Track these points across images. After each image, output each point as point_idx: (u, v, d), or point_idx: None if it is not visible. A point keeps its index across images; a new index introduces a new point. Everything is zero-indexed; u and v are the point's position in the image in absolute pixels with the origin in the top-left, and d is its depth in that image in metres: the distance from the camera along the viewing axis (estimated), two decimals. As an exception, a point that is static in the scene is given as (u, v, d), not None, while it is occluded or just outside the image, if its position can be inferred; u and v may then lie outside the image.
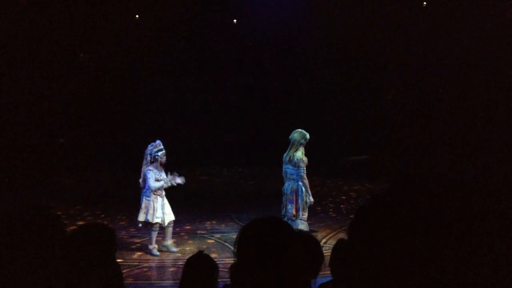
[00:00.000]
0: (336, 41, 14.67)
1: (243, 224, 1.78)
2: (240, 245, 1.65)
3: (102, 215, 9.03)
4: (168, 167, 6.88)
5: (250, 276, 1.59)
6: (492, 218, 1.03)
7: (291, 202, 7.22)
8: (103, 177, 12.65)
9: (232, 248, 1.78)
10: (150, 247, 6.90)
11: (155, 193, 6.74)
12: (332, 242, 6.77)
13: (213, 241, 7.57)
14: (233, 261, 1.69)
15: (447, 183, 1.10)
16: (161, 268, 6.57)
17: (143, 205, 6.77)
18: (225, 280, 3.65)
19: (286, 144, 7.34)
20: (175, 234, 7.74)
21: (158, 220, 6.76)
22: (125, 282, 3.22)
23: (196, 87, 15.20)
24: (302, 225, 7.23)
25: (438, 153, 12.67)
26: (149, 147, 6.81)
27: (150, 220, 6.71)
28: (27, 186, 10.84)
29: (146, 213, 6.72)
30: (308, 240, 3.11)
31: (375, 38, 14.18)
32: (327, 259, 3.09)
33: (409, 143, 13.66)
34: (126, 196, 9.72)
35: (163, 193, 6.86)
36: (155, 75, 14.91)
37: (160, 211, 6.76)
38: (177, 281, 4.63)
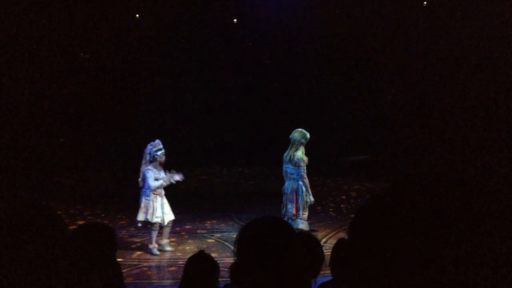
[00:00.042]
0: (336, 41, 14.67)
1: (243, 223, 1.78)
2: (240, 244, 1.65)
3: (102, 215, 9.03)
4: (168, 167, 6.88)
5: (250, 276, 1.60)
6: (492, 218, 1.03)
7: (291, 202, 7.22)
8: (103, 177, 12.66)
9: (232, 247, 1.78)
10: (150, 246, 6.90)
11: (155, 192, 6.74)
12: (332, 241, 6.77)
13: (213, 240, 7.57)
14: (233, 261, 1.69)
15: (447, 183, 1.10)
16: (161, 267, 6.57)
17: (142, 205, 6.77)
18: (226, 279, 3.65)
19: (286, 144, 7.35)
20: (175, 234, 7.74)
21: (158, 220, 6.76)
22: (125, 281, 3.22)
23: (196, 87, 15.20)
24: (302, 225, 7.24)
25: (438, 153, 12.68)
26: (149, 147, 6.81)
27: (150, 220, 6.71)
28: (27, 186, 10.84)
29: (146, 213, 6.72)
30: (308, 240, 3.11)
31: (375, 38, 14.18)
32: (327, 259, 3.09)
33: (409, 143, 13.67)
34: (126, 195, 9.72)
35: (163, 192, 6.86)
36: (155, 75, 14.91)
37: (160, 210, 6.77)
38: (177, 281, 4.63)
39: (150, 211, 6.71)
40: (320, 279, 3.04)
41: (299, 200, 7.19)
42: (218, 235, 7.83)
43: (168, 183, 6.78)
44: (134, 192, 7.26)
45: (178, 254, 6.91)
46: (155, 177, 6.70)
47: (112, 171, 12.91)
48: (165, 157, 6.78)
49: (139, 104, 14.67)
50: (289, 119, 12.85)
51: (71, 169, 13.01)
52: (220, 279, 3.14)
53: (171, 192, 7.13)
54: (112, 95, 14.31)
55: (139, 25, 14.62)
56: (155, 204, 6.73)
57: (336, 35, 14.59)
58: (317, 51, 15.01)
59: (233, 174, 13.75)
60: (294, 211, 7.20)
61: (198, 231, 8.07)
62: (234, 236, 1.73)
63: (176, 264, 6.47)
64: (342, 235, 6.80)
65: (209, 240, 7.57)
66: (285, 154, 7.28)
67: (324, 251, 3.22)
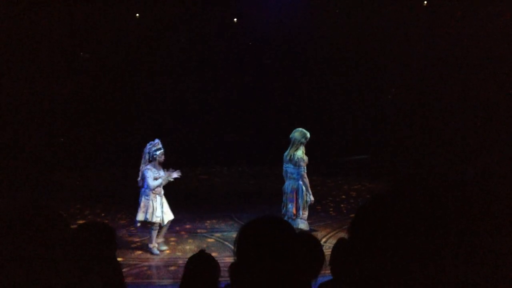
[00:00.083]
0: (336, 41, 14.67)
1: (243, 223, 1.80)
2: (240, 244, 1.65)
3: (102, 214, 9.03)
4: (168, 167, 6.88)
5: (250, 276, 1.60)
6: (492, 218, 1.04)
7: (292, 201, 7.22)
8: (103, 176, 12.66)
9: (232, 247, 1.77)
10: (150, 246, 6.90)
11: (154, 192, 6.74)
12: (332, 241, 6.77)
13: (213, 240, 7.57)
14: (233, 260, 1.69)
15: (447, 183, 1.11)
16: (161, 267, 6.57)
17: (142, 204, 6.77)
18: (226, 279, 3.65)
19: (287, 144, 7.35)
20: (175, 233, 7.75)
21: (158, 220, 6.76)
22: (125, 281, 3.22)
23: (196, 87, 15.20)
24: (302, 224, 7.24)
25: (438, 153, 12.67)
26: (148, 146, 6.81)
27: (150, 219, 6.71)
28: (27, 185, 10.84)
29: (146, 212, 6.72)
30: (308, 240, 3.11)
31: (375, 38, 14.18)
32: (327, 259, 3.09)
33: (409, 143, 13.67)
34: (126, 195, 9.72)
35: (162, 192, 6.86)
36: (155, 75, 14.91)
37: (160, 210, 6.77)
38: (177, 280, 4.63)
39: (150, 210, 6.71)
40: (320, 279, 3.04)
41: (299, 200, 7.20)
42: (218, 234, 7.83)
43: (167, 181, 6.79)
44: (134, 192, 7.26)
45: (178, 253, 6.91)
46: (154, 177, 6.71)
47: (112, 171, 12.91)
48: (164, 157, 6.79)
49: (139, 104, 14.66)
50: (289, 119, 12.85)
51: (71, 168, 13.02)
52: (220, 279, 3.14)
53: (171, 191, 7.13)
54: (112, 95, 14.31)
55: (139, 25, 14.61)
56: (154, 203, 6.73)
57: (336, 35, 14.59)
58: (317, 51, 15.01)
59: (233, 173, 13.75)
60: (294, 211, 7.21)
61: (198, 231, 8.07)
62: (234, 235, 1.73)
63: (176, 263, 6.48)
64: (342, 234, 6.80)
65: (209, 240, 7.57)
66: (285, 153, 7.29)
67: (324, 251, 3.22)
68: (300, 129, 7.27)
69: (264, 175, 12.68)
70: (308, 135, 7.20)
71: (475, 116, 13.12)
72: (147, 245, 6.98)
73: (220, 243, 7.36)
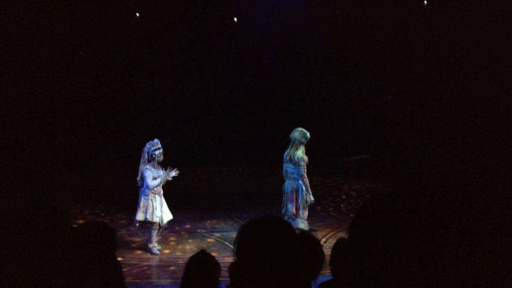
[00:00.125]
0: (336, 41, 14.66)
1: (243, 223, 1.79)
2: (240, 244, 1.65)
3: (102, 214, 9.03)
4: (166, 167, 6.87)
5: (250, 276, 1.59)
6: (492, 218, 1.04)
7: (291, 201, 7.22)
8: (103, 176, 12.66)
9: (232, 247, 1.77)
10: (150, 245, 6.91)
11: (153, 192, 6.74)
12: (332, 241, 6.77)
13: (213, 240, 7.57)
14: (232, 260, 1.69)
15: (447, 183, 1.11)
16: (161, 266, 6.57)
17: (141, 204, 6.76)
18: (227, 279, 3.65)
19: (287, 143, 7.35)
20: (175, 233, 7.76)
21: (158, 219, 6.77)
22: (125, 280, 3.22)
23: (196, 87, 15.19)
24: (302, 224, 7.24)
25: (438, 153, 12.67)
26: (147, 145, 6.81)
27: (150, 219, 6.71)
28: (27, 185, 10.84)
29: (145, 212, 6.72)
30: (308, 240, 3.12)
31: (375, 38, 14.17)
32: (327, 259, 3.09)
33: (409, 143, 13.66)
34: (126, 195, 9.72)
35: (161, 192, 6.86)
36: (155, 75, 14.90)
37: (159, 209, 6.77)
38: (177, 280, 4.62)
39: (150, 210, 6.71)
40: (320, 279, 3.04)
41: (299, 200, 7.20)
42: (218, 234, 7.83)
43: (166, 181, 6.79)
44: (134, 192, 7.27)
45: (178, 253, 6.92)
46: (153, 176, 6.71)
47: (112, 171, 12.91)
48: (163, 157, 6.79)
49: (139, 104, 14.66)
50: (289, 119, 12.85)
51: (71, 168, 13.01)
52: (220, 279, 3.14)
53: (171, 191, 7.14)
54: (112, 95, 14.30)
55: (139, 25, 14.61)
56: (154, 203, 6.74)
57: (336, 35, 14.58)
58: (317, 51, 15.01)
59: (233, 173, 13.75)
60: (294, 211, 7.21)
61: (198, 231, 8.07)
62: (234, 235, 1.73)
63: (176, 263, 6.48)
64: (342, 234, 6.80)
65: (209, 240, 7.58)
66: (285, 153, 7.29)
67: (324, 251, 3.22)
68: (300, 129, 7.27)
69: (264, 175, 12.67)
70: (308, 135, 7.20)
71: (475, 116, 13.11)
72: (147, 245, 6.98)
73: (220, 243, 7.36)
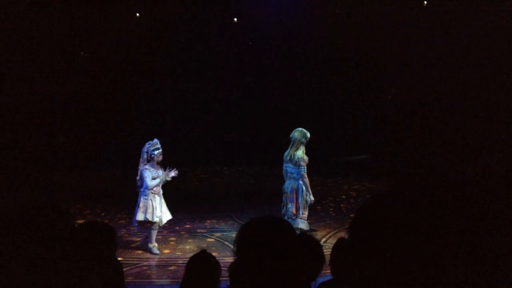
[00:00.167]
0: (336, 41, 14.67)
1: (243, 223, 1.78)
2: (240, 244, 1.65)
3: (102, 214, 9.04)
4: (165, 167, 6.87)
5: (250, 276, 1.59)
6: (492, 218, 1.04)
7: (292, 201, 7.22)
8: (103, 176, 12.66)
9: (232, 247, 1.77)
10: (150, 245, 6.90)
11: (153, 192, 6.74)
12: (332, 241, 6.76)
13: (213, 240, 7.58)
14: (232, 260, 1.69)
15: (447, 183, 1.11)
16: (161, 266, 6.58)
17: (141, 204, 6.76)
18: (227, 279, 3.65)
19: (286, 144, 7.35)
20: (175, 233, 7.76)
21: (158, 219, 6.77)
22: (125, 280, 3.22)
23: (196, 87, 15.19)
24: (302, 224, 7.24)
25: (438, 153, 12.67)
26: (146, 145, 6.81)
27: (150, 219, 6.71)
28: (27, 185, 10.84)
29: (145, 212, 6.72)
30: (308, 240, 3.12)
31: (375, 38, 14.18)
32: (327, 259, 3.09)
33: (409, 143, 13.66)
34: (126, 195, 9.71)
35: (161, 192, 6.86)
36: (155, 75, 14.91)
37: (159, 209, 6.78)
38: (177, 280, 4.63)
39: (150, 210, 6.71)
40: (320, 279, 3.04)
41: (299, 200, 7.19)
42: (218, 234, 7.83)
43: (165, 181, 6.80)
44: (134, 192, 7.27)
45: (178, 253, 6.92)
46: (153, 176, 6.71)
47: (112, 171, 12.91)
48: (163, 157, 6.79)
49: (139, 104, 14.66)
50: (289, 119, 12.85)
51: (71, 168, 13.02)
52: (220, 279, 3.14)
53: (170, 191, 7.14)
54: (112, 95, 14.30)
55: (139, 25, 14.61)
56: (154, 203, 6.74)
57: (336, 35, 14.58)
58: (317, 51, 15.01)
59: (233, 173, 13.75)
60: (294, 211, 7.20)
61: (198, 231, 8.07)
62: (234, 235, 1.73)
63: (176, 263, 6.48)
64: (342, 234, 6.80)
65: (209, 240, 7.58)
66: (286, 153, 7.29)
67: (324, 251, 3.22)
68: (300, 128, 7.26)
69: (264, 175, 12.67)
70: (308, 135, 7.20)
71: (475, 116, 13.11)
72: (147, 245, 6.98)
73: (220, 243, 7.36)
